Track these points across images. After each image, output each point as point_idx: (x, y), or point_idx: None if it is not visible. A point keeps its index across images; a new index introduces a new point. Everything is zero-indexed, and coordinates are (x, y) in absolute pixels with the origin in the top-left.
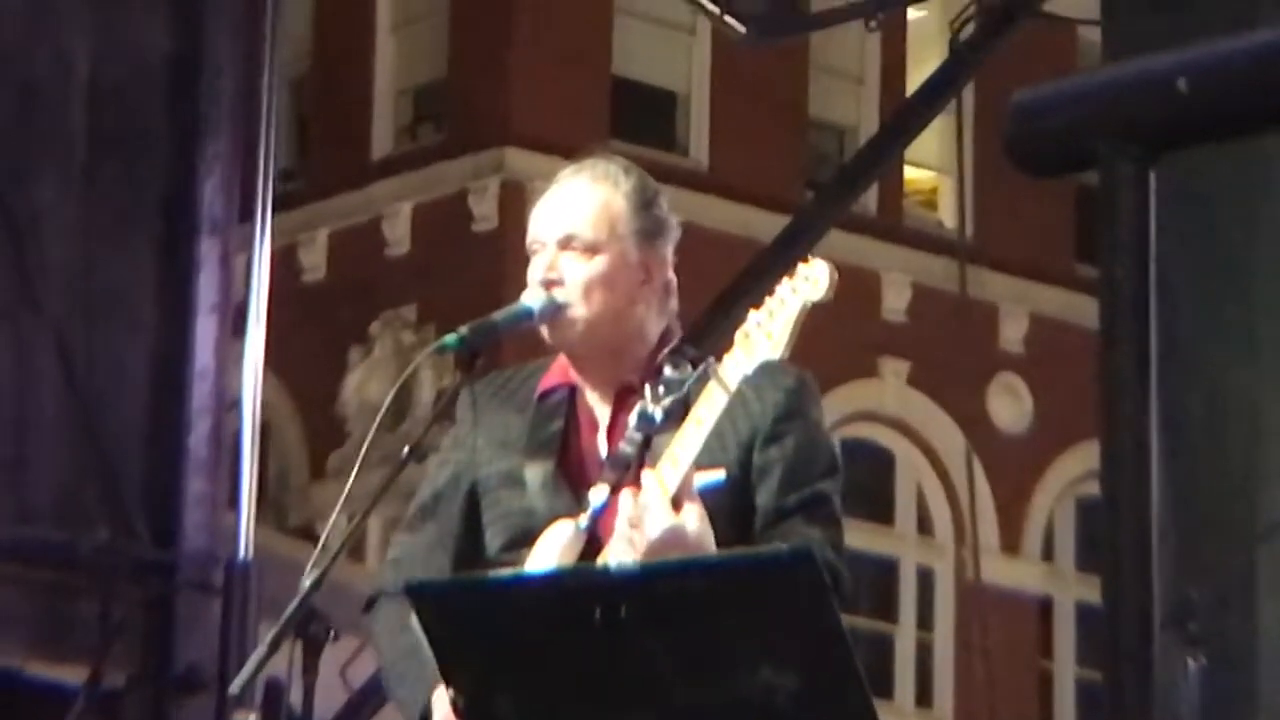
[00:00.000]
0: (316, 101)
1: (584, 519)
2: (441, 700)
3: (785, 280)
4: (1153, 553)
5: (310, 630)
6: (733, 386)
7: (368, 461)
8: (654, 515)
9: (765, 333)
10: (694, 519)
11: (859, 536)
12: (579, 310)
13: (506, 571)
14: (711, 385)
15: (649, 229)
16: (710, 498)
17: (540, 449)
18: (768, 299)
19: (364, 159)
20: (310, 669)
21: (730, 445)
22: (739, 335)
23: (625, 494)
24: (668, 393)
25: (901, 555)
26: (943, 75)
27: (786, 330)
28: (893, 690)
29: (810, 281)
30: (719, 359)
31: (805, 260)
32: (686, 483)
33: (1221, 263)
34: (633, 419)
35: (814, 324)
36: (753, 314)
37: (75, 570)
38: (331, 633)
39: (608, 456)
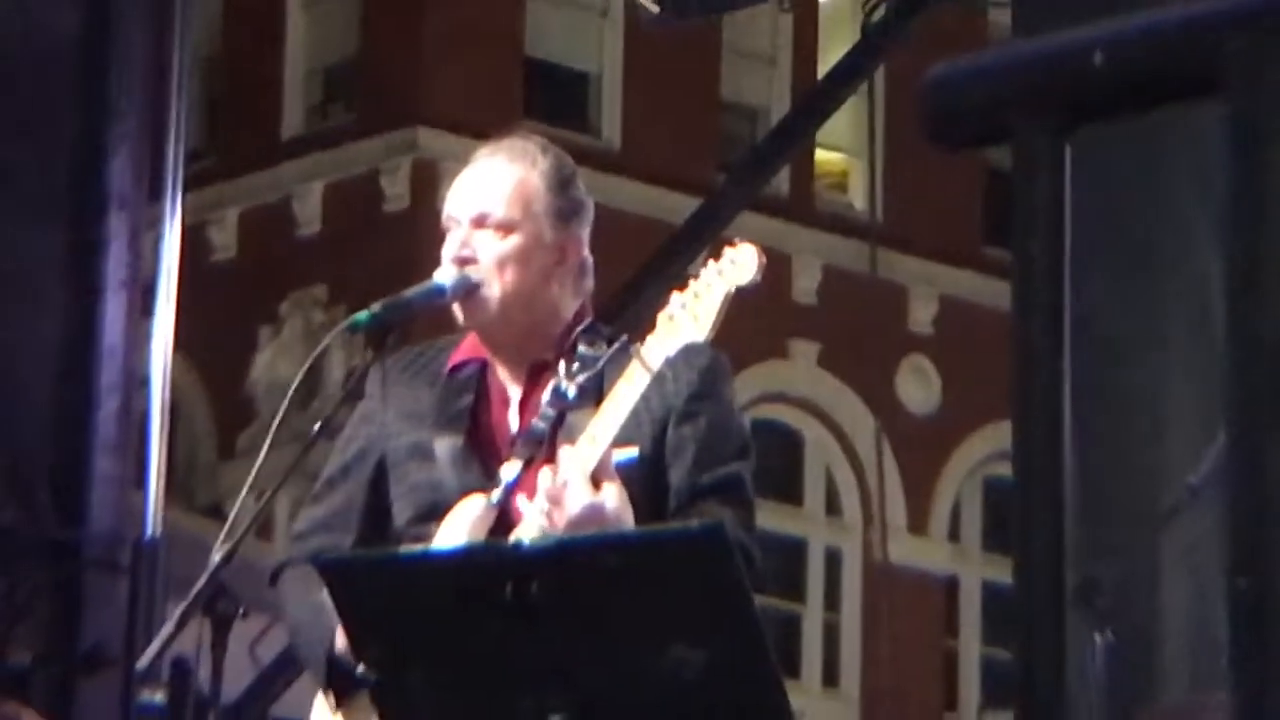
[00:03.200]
0: (227, 80)
1: (496, 494)
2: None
3: (711, 263)
4: (1065, 528)
5: (219, 607)
6: (655, 367)
7: (277, 440)
8: (574, 492)
9: (690, 314)
10: (613, 497)
11: (767, 517)
12: (493, 288)
13: (418, 547)
14: (634, 365)
15: (565, 209)
16: (623, 474)
17: (450, 423)
18: (692, 281)
19: (274, 138)
20: (218, 646)
21: (644, 422)
22: (662, 317)
23: (544, 471)
24: (582, 369)
25: (810, 535)
26: (854, 57)
27: (712, 313)
28: (800, 670)
29: (737, 265)
30: (640, 339)
31: (732, 243)
32: (605, 461)
33: (1128, 247)
34: (547, 395)
35: None
36: (676, 296)
37: None
38: (240, 610)
39: (520, 432)
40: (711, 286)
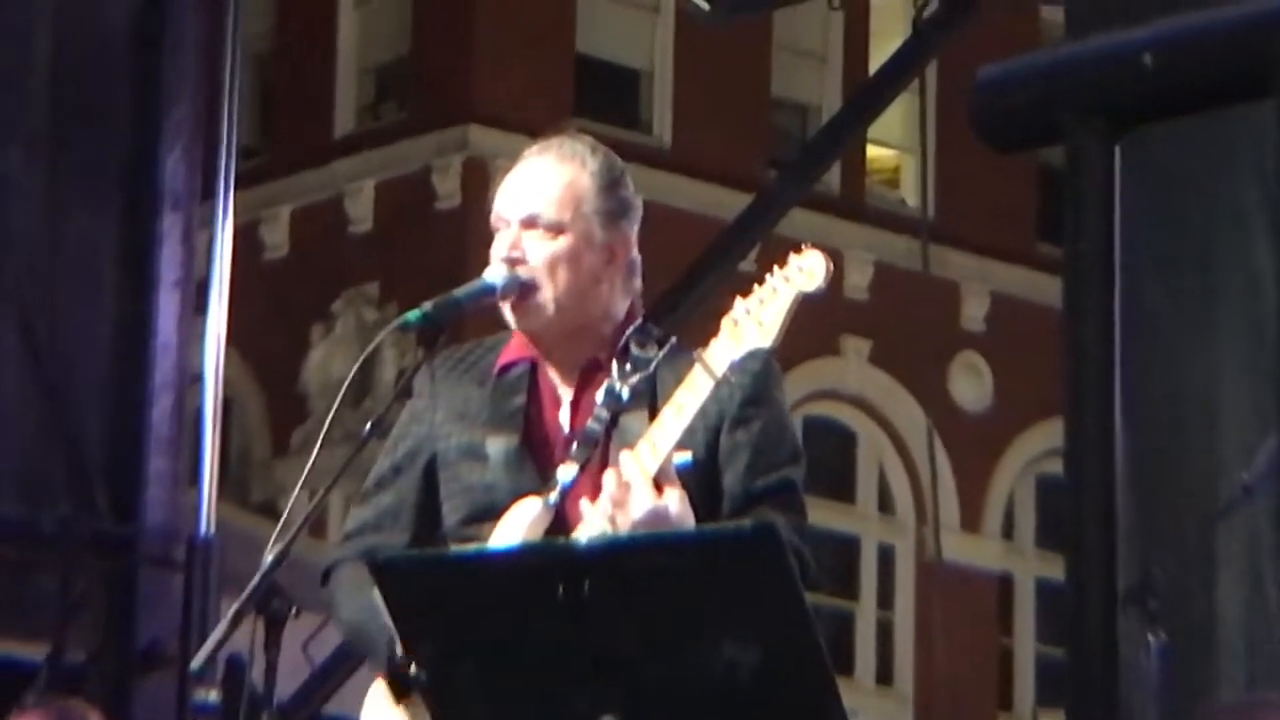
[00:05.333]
0: (279, 78)
1: (553, 496)
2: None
3: (777, 269)
4: (1117, 528)
5: (272, 606)
6: (719, 373)
7: (330, 438)
8: (638, 496)
9: (755, 320)
10: (676, 501)
11: (820, 514)
12: (543, 289)
13: (471, 547)
14: (696, 370)
15: (614, 209)
16: (679, 478)
17: (503, 423)
18: (757, 287)
19: (327, 136)
20: (272, 645)
21: (698, 427)
22: (726, 322)
23: (608, 474)
24: (635, 371)
25: (863, 533)
26: (906, 54)
27: (778, 320)
28: (853, 667)
29: (805, 273)
30: (702, 343)
31: (798, 249)
32: (666, 466)
33: (1182, 243)
34: (600, 396)
35: None
36: (740, 301)
37: (36, 545)
38: (293, 609)
39: (576, 434)
40: (778, 292)
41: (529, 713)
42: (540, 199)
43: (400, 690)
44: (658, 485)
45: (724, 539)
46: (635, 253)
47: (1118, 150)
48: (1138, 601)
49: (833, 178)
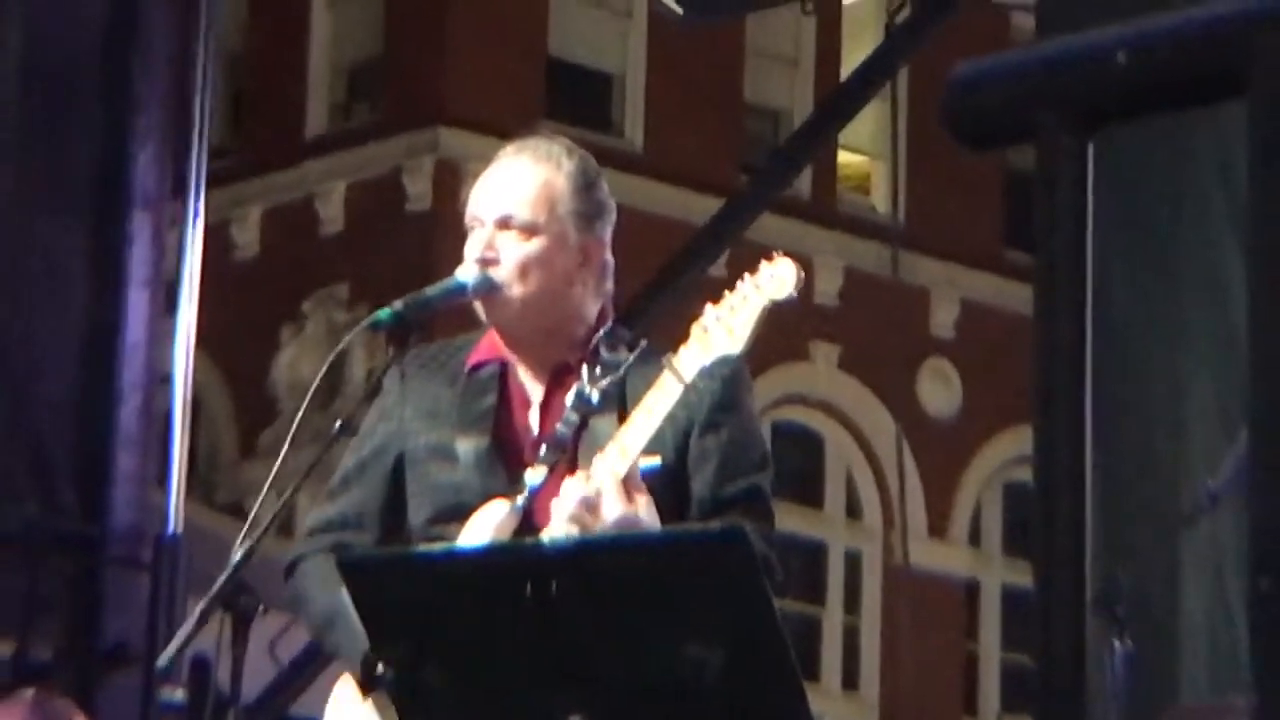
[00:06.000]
0: (250, 78)
1: (521, 499)
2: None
3: (748, 276)
4: (1086, 532)
5: (239, 604)
6: (688, 379)
7: (298, 439)
8: (609, 501)
9: (725, 327)
10: (644, 507)
11: (788, 519)
12: (515, 290)
13: (439, 546)
14: (666, 375)
15: (589, 211)
16: (646, 482)
17: (473, 424)
18: (727, 293)
19: (297, 137)
20: (238, 643)
21: (667, 431)
22: (696, 329)
23: (578, 477)
24: (604, 374)
25: (830, 538)
26: (877, 59)
27: (748, 327)
28: (819, 673)
29: (775, 280)
30: (670, 347)
31: (769, 256)
32: (634, 471)
33: (1150, 251)
34: (570, 399)
35: None
36: (710, 308)
37: (2, 544)
38: (260, 607)
39: (545, 437)
40: (748, 299)
41: (496, 713)
42: (515, 199)
43: (369, 687)
44: (626, 490)
45: (692, 541)
46: (609, 255)
47: (1090, 148)
48: (1103, 607)
49: (803, 183)
